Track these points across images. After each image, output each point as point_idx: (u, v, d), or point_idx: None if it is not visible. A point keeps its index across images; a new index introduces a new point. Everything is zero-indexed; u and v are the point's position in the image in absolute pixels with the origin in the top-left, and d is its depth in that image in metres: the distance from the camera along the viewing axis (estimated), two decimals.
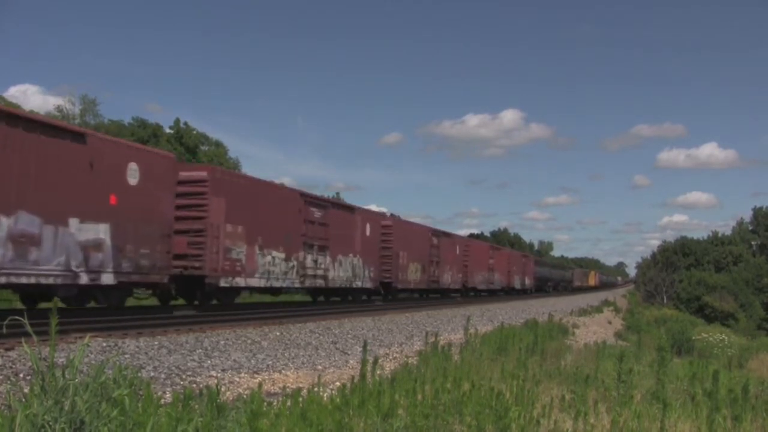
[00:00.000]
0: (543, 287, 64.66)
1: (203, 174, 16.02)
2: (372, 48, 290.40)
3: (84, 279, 12.07)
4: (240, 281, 16.74)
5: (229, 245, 16.13)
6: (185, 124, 48.16)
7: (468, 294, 38.76)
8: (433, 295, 34.46)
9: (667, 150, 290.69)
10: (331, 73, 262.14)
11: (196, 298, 16.78)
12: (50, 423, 3.59)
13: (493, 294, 44.58)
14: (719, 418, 6.40)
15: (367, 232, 24.01)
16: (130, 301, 15.34)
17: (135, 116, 51.65)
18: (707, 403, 7.02)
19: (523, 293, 53.09)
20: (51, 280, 11.44)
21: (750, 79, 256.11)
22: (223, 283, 16.03)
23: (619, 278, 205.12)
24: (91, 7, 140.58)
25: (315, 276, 20.25)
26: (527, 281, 55.19)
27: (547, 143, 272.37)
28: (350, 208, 23.53)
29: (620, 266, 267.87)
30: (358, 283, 23.47)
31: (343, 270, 22.13)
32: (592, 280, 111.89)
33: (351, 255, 22.69)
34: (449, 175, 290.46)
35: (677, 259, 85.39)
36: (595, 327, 27.08)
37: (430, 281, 31.15)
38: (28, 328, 3.94)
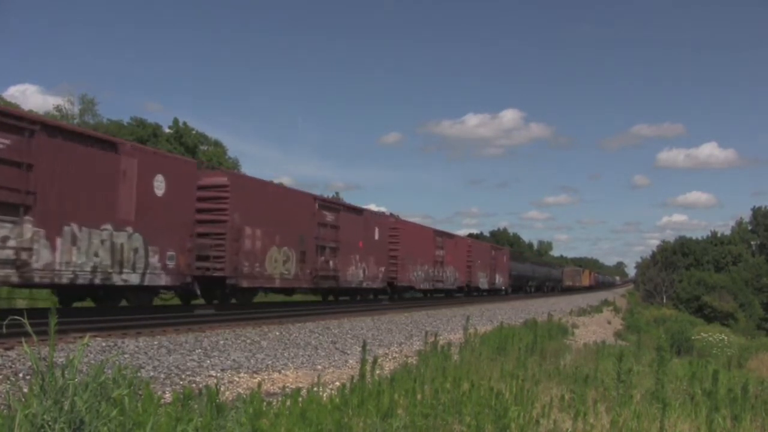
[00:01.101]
0: (522, 287, 52.64)
1: None
2: (372, 48, 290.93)
3: None
4: None
5: None
6: (184, 123, 48.31)
7: (401, 296, 28.92)
8: (343, 298, 24.03)
9: (667, 150, 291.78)
10: (331, 73, 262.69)
11: None
12: (50, 423, 3.59)
13: (449, 295, 34.63)
14: (719, 418, 6.42)
15: (159, 192, 13.87)
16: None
17: (134, 116, 51.84)
18: (707, 403, 7.03)
19: (494, 294, 42.27)
20: None
21: (750, 79, 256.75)
22: None
23: (618, 278, 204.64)
24: (91, 7, 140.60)
25: None
26: (499, 279, 43.30)
27: (546, 143, 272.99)
28: (110, 144, 12.92)
29: (620, 266, 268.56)
30: (131, 278, 13.15)
31: (86, 254, 12.02)
32: (586, 280, 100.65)
33: (110, 227, 12.58)
34: (449, 175, 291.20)
35: (677, 258, 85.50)
36: (594, 327, 27.08)
37: (318, 278, 20.21)
38: (28, 328, 3.94)
